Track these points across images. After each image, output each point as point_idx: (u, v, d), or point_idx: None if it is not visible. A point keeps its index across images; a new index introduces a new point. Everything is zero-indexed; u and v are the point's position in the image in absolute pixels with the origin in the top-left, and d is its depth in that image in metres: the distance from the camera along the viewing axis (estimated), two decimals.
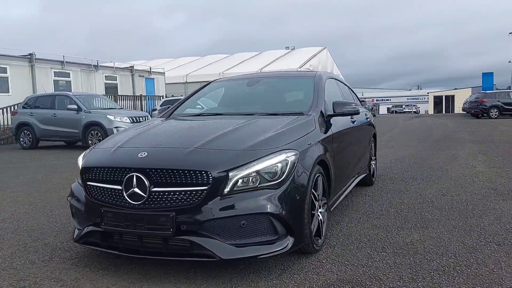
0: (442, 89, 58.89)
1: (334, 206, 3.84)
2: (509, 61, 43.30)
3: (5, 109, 15.33)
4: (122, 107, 16.92)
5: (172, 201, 2.64)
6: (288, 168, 2.81)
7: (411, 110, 56.37)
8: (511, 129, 15.03)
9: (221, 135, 3.05)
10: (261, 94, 4.38)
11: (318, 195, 3.21)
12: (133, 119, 11.98)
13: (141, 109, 20.76)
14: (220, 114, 3.97)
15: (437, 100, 53.36)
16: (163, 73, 27.16)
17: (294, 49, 38.36)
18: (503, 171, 6.42)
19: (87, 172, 2.96)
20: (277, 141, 2.96)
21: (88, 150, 3.34)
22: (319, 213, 3.24)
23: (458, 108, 46.28)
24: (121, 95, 20.73)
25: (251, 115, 3.71)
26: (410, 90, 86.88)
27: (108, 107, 13.47)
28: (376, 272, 2.82)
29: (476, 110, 24.60)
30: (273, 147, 2.87)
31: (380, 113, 56.50)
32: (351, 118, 4.44)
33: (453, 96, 50.79)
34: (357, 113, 3.93)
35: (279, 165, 2.79)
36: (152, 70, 25.92)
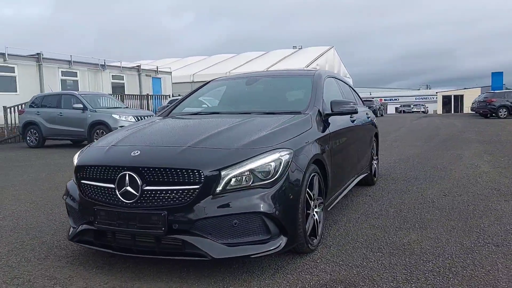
0: (451, 89, 58.44)
1: (332, 206, 3.81)
2: None
3: (12, 108, 15.46)
4: (128, 106, 16.98)
5: (164, 200, 2.64)
6: (281, 167, 2.79)
7: (419, 110, 55.97)
8: None
9: (215, 134, 3.04)
10: (259, 93, 4.37)
11: (313, 195, 3.18)
12: (138, 118, 12.01)
13: (148, 109, 20.83)
14: (217, 113, 3.96)
15: (446, 100, 52.98)
16: (170, 73, 27.25)
17: (301, 48, 38.27)
18: (508, 172, 6.34)
19: (81, 171, 2.97)
20: (271, 140, 2.95)
21: (84, 148, 3.34)
22: (314, 213, 3.22)
23: (467, 108, 45.89)
24: (128, 95, 20.81)
25: (248, 114, 3.69)
26: (419, 89, 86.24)
27: (114, 106, 13.53)
28: (370, 272, 2.79)
29: (485, 110, 24.36)
30: (266, 146, 2.85)
31: (388, 112, 56.20)
32: (350, 118, 4.41)
33: (462, 96, 50.40)
34: (355, 112, 3.90)
35: (273, 164, 2.77)
36: (159, 69, 26.01)
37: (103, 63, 21.70)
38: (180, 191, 2.62)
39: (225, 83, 4.73)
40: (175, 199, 2.62)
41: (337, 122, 3.98)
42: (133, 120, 11.88)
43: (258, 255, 2.67)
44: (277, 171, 2.77)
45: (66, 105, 12.90)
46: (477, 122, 20.35)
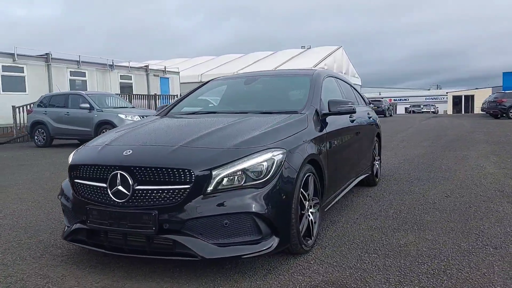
0: (462, 89, 57.83)
1: (329, 206, 3.78)
2: None
3: (21, 108, 15.62)
4: (134, 106, 17.07)
5: (155, 200, 2.63)
6: (274, 167, 2.77)
7: (429, 110, 55.51)
8: None
9: (208, 133, 3.03)
10: (257, 92, 4.35)
11: (308, 195, 3.16)
12: (144, 118, 12.07)
13: (155, 109, 20.92)
14: (214, 113, 3.96)
15: (457, 100, 52.45)
16: (178, 73, 27.35)
17: (310, 48, 38.18)
18: None
19: (74, 170, 2.98)
20: (265, 139, 2.93)
21: (80, 147, 3.35)
22: (309, 213, 3.19)
23: (477, 108, 45.39)
24: (135, 94, 20.91)
25: (245, 114, 3.68)
26: (429, 89, 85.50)
27: (120, 106, 13.62)
28: (363, 274, 2.76)
29: (495, 110, 24.04)
30: (259, 146, 2.83)
31: (397, 113, 55.79)
32: (350, 117, 4.37)
33: (472, 96, 49.83)
34: (353, 112, 3.86)
35: (265, 164, 2.75)
36: (166, 69, 26.11)
37: (111, 63, 21.84)
38: (171, 191, 2.62)
39: (224, 83, 4.72)
40: (166, 198, 2.62)
41: (336, 122, 3.94)
42: (139, 119, 11.94)
43: (249, 255, 2.65)
44: (270, 171, 2.75)
45: (73, 105, 13.00)
46: (486, 122, 20.11)
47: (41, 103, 13.82)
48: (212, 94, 4.83)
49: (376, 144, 5.69)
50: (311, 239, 3.19)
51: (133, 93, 21.76)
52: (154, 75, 24.80)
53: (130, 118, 12.00)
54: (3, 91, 16.74)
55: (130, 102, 18.88)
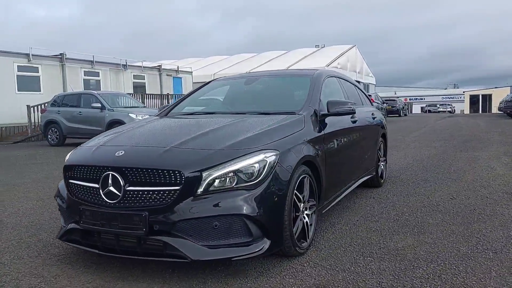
0: (480, 88, 56.84)
1: (327, 209, 3.73)
2: None
3: (36, 107, 15.88)
4: (146, 105, 17.20)
5: (145, 201, 2.64)
6: (266, 168, 2.75)
7: (445, 110, 54.65)
8: None
9: (202, 134, 3.02)
10: (257, 93, 4.33)
11: (303, 197, 3.13)
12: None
13: None
14: (213, 113, 3.95)
15: (474, 100, 51.64)
16: (191, 72, 27.47)
17: (324, 47, 37.97)
18: None
19: (69, 170, 3.00)
20: (258, 141, 2.91)
21: (76, 148, 3.38)
22: (304, 215, 3.16)
23: (495, 107, 44.58)
24: (148, 94, 21.09)
25: (243, 114, 3.67)
26: (446, 89, 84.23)
27: (131, 105, 13.75)
28: (356, 277, 2.72)
29: None
30: (252, 147, 2.81)
31: (413, 112, 55.12)
32: (351, 118, 4.31)
33: (490, 95, 49.02)
34: (353, 113, 3.81)
35: (256, 165, 2.73)
36: (179, 69, 26.25)
37: (125, 63, 22.05)
38: (161, 192, 2.62)
39: (226, 83, 4.71)
40: (156, 200, 2.62)
41: (336, 123, 3.90)
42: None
43: (240, 257, 2.64)
44: (261, 173, 2.73)
45: (86, 104, 13.17)
46: (502, 122, 19.70)
47: (55, 103, 14.03)
48: (214, 94, 4.83)
49: (382, 145, 5.61)
50: (306, 241, 3.16)
51: (146, 92, 21.96)
52: (167, 75, 24.97)
53: (140, 118, 12.09)
54: (18, 90, 17.03)
55: (143, 101, 19.07)
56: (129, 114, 12.19)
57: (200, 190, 2.61)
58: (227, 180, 2.67)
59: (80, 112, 13.16)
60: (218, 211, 2.60)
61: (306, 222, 3.17)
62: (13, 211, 4.76)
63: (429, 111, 55.38)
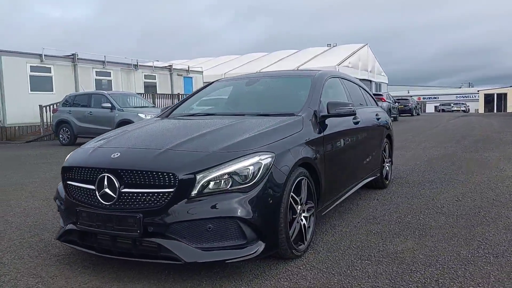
0: (495, 87, 55.94)
1: (326, 211, 3.70)
2: None
3: (48, 107, 16.10)
4: (155, 105, 17.31)
5: (140, 203, 2.65)
6: (261, 171, 2.74)
7: (459, 109, 53.91)
8: None
9: (198, 136, 3.02)
10: (257, 94, 4.31)
11: (300, 199, 3.11)
12: None
13: None
14: (213, 115, 3.95)
15: (489, 99, 50.86)
16: (201, 72, 27.57)
17: (335, 46, 37.77)
18: None
19: (67, 172, 3.03)
20: (254, 142, 2.90)
21: (76, 149, 3.41)
22: (302, 218, 3.14)
23: (510, 106, 43.88)
24: (159, 94, 21.22)
25: (242, 116, 3.66)
26: (460, 87, 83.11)
27: (141, 105, 13.84)
28: (351, 281, 2.70)
29: None
30: (247, 149, 2.80)
31: (427, 111, 54.53)
32: (353, 119, 4.27)
33: (505, 94, 48.22)
34: (353, 114, 3.77)
35: (251, 168, 2.72)
36: (190, 69, 26.36)
37: (136, 63, 22.21)
38: (156, 194, 2.63)
39: (227, 84, 4.71)
40: (150, 202, 2.63)
41: (336, 124, 3.86)
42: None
43: (234, 260, 2.63)
44: (256, 175, 2.72)
45: (96, 104, 13.31)
46: None
47: (66, 103, 14.20)
48: (218, 94, 4.82)
49: (386, 146, 5.55)
50: (303, 243, 3.14)
51: (157, 92, 22.09)
52: (178, 75, 25.09)
53: (149, 118, 12.18)
54: (31, 90, 17.27)
55: (154, 101, 19.20)
56: (138, 114, 12.27)
57: (194, 192, 2.61)
58: (222, 183, 2.67)
59: (90, 112, 13.30)
60: (212, 213, 2.60)
61: (304, 224, 3.15)
62: (19, 210, 4.83)
63: (443, 110, 54.72)
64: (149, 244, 2.65)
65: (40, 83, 17.69)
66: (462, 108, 54.34)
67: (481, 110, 49.24)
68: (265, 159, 2.79)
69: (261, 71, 28.75)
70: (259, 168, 2.74)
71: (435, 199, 4.83)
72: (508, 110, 43.03)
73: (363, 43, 35.19)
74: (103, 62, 20.53)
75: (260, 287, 2.64)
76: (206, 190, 2.64)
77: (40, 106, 16.06)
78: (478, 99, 53.86)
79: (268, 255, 2.87)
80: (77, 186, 2.91)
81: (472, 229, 3.69)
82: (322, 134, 3.53)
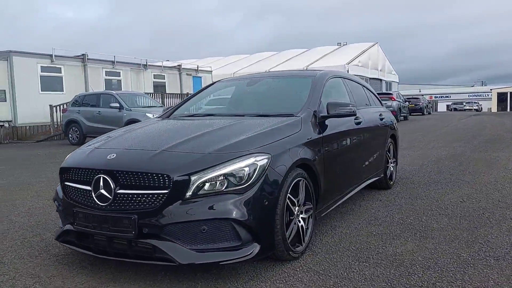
0: (509, 85, 55.11)
1: (326, 212, 3.67)
2: None
3: (58, 107, 16.25)
4: (163, 105, 17.38)
5: (135, 204, 2.65)
6: (256, 172, 2.73)
7: (471, 108, 53.22)
8: None
9: (195, 137, 3.02)
10: (258, 94, 4.29)
11: (298, 201, 3.09)
12: None
13: None
14: (212, 115, 3.94)
15: (502, 97, 50.16)
16: (210, 72, 27.62)
17: (346, 44, 37.57)
18: None
19: (65, 172, 3.05)
20: (250, 144, 2.88)
21: (74, 150, 3.43)
22: (299, 219, 3.12)
23: None
24: (168, 93, 21.31)
25: (241, 116, 3.65)
26: (473, 86, 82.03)
27: (149, 105, 13.90)
28: (347, 284, 2.67)
29: None
30: (242, 151, 2.79)
31: (438, 110, 53.91)
32: (355, 119, 4.23)
33: None
34: (353, 114, 3.74)
35: (247, 169, 2.70)
36: (199, 68, 26.43)
37: (145, 63, 22.32)
38: (150, 195, 2.63)
39: (229, 84, 4.70)
40: (145, 203, 2.63)
41: (337, 125, 3.83)
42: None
43: (228, 262, 2.62)
44: (252, 177, 2.71)
45: (105, 104, 13.40)
46: None
47: (75, 103, 14.33)
48: (219, 95, 4.82)
49: (391, 146, 5.50)
50: (301, 245, 3.12)
51: (166, 92, 22.18)
52: (187, 74, 25.17)
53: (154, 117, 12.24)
54: (41, 90, 17.45)
55: (163, 101, 19.29)
56: (146, 114, 12.32)
57: (189, 194, 2.61)
58: (217, 184, 2.66)
59: (99, 111, 13.40)
60: (207, 215, 2.59)
61: (302, 226, 3.13)
62: (23, 210, 4.88)
63: (455, 109, 54.08)
64: (144, 245, 2.65)
65: (51, 83, 17.86)
66: (474, 107, 53.62)
67: (494, 109, 48.59)
68: (261, 160, 2.78)
69: (269, 70, 28.70)
70: (255, 170, 2.73)
71: (439, 200, 4.77)
72: None
73: (374, 41, 34.93)
74: (113, 62, 20.66)
75: None
76: (201, 192, 2.63)
77: (50, 106, 16.21)
78: (491, 98, 53.15)
79: (264, 257, 2.86)
80: (74, 187, 2.92)
81: (474, 231, 3.64)
82: (321, 135, 3.51)
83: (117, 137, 3.32)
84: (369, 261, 3.02)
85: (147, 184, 2.64)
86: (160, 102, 18.13)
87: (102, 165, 2.79)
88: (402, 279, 2.71)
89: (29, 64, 17.09)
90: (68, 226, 2.97)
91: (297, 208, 3.08)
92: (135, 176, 2.66)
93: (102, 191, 2.72)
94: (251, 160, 2.74)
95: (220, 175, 2.65)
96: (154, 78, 23.04)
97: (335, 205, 3.84)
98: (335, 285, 2.65)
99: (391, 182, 5.49)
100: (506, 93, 50.20)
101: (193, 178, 2.61)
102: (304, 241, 3.15)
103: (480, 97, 65.96)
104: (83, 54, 19.26)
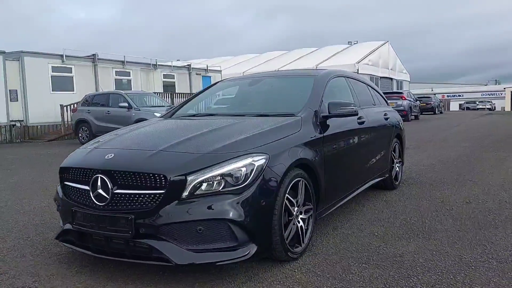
0: None
1: (327, 213, 3.64)
2: None
3: (68, 106, 16.41)
4: (171, 104, 17.45)
5: (132, 204, 2.66)
6: (253, 172, 2.71)
7: (484, 107, 52.47)
8: None
9: (193, 137, 3.02)
10: (260, 94, 4.28)
11: (297, 201, 3.06)
12: None
13: None
14: (213, 115, 3.94)
15: None
16: (220, 71, 27.66)
17: (356, 43, 37.33)
18: None
19: (64, 172, 3.06)
20: (248, 144, 2.87)
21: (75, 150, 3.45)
22: (299, 220, 3.09)
23: None
24: (178, 93, 21.39)
25: (242, 116, 3.64)
26: (486, 85, 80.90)
27: (158, 104, 13.97)
28: (345, 285, 2.64)
29: None
30: (240, 151, 2.78)
31: (451, 109, 53.28)
32: (358, 119, 4.19)
33: None
34: (355, 114, 3.70)
35: (243, 169, 2.69)
36: (208, 68, 26.49)
37: (155, 63, 22.44)
38: (147, 196, 2.63)
39: (232, 84, 4.70)
40: (142, 203, 2.63)
41: (339, 125, 3.79)
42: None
43: (225, 262, 2.62)
44: (249, 177, 2.69)
45: (114, 103, 13.49)
46: None
47: (85, 102, 14.46)
48: (229, 94, 4.81)
49: (396, 146, 5.44)
50: (301, 246, 3.10)
51: (176, 91, 22.27)
52: (196, 74, 25.25)
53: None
54: (52, 90, 17.65)
55: (173, 100, 19.37)
56: (155, 114, 12.34)
57: (185, 194, 2.60)
58: (214, 184, 2.65)
59: (108, 111, 13.50)
60: (203, 215, 2.59)
61: (301, 226, 3.11)
62: (29, 209, 4.93)
63: (467, 108, 53.37)
64: (141, 245, 2.65)
65: (62, 83, 18.05)
66: (487, 106, 52.86)
67: (508, 108, 47.93)
68: (259, 160, 2.76)
69: (278, 70, 28.65)
70: (252, 170, 2.71)
71: (445, 201, 4.70)
72: None
73: (385, 40, 34.66)
74: (123, 62, 20.80)
75: None
76: (198, 192, 2.63)
77: (61, 105, 16.38)
78: (505, 97, 52.39)
79: (262, 257, 2.85)
80: (73, 187, 2.94)
81: (478, 232, 3.58)
82: (322, 135, 3.48)
83: (117, 137, 3.34)
84: (369, 263, 2.99)
85: (143, 184, 2.64)
86: (170, 102, 18.22)
87: (100, 165, 2.80)
88: (400, 281, 2.67)
89: (40, 64, 17.28)
90: (67, 226, 2.99)
91: (296, 208, 3.06)
92: (132, 176, 2.67)
93: (100, 191, 2.73)
94: (248, 160, 2.72)
95: (217, 175, 2.64)
96: (163, 78, 23.15)
97: (337, 206, 3.81)
98: (332, 287, 2.63)
99: (397, 183, 5.43)
100: None
101: (189, 178, 2.60)
102: (303, 242, 3.13)
103: (493, 96, 65.06)
104: (93, 54, 19.43)
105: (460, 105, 61.65)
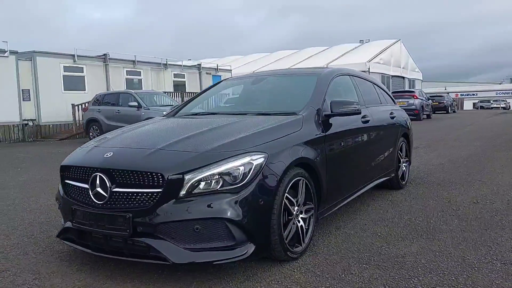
0: None
1: (329, 212, 3.60)
2: None
3: (80, 106, 16.58)
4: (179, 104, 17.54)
5: (130, 202, 2.66)
6: (252, 171, 2.69)
7: (499, 106, 51.67)
8: None
9: (192, 135, 3.01)
10: (262, 93, 4.26)
11: (297, 201, 3.04)
12: None
13: None
14: (215, 114, 3.93)
15: None
16: (230, 71, 27.68)
17: (368, 42, 37.03)
18: None
19: (65, 170, 3.08)
20: (247, 142, 2.85)
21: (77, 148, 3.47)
22: (299, 220, 3.07)
23: None
24: (188, 92, 21.45)
25: (244, 115, 3.62)
26: (501, 83, 79.69)
27: (167, 104, 14.03)
28: (344, 286, 2.61)
29: None
30: (238, 149, 2.76)
31: (464, 108, 52.58)
32: (362, 118, 4.14)
33: None
34: (358, 113, 3.66)
35: (241, 168, 2.67)
36: (219, 67, 26.53)
37: (165, 62, 22.55)
38: (144, 194, 2.63)
39: (235, 83, 4.69)
40: (139, 201, 2.63)
41: (342, 124, 3.75)
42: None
43: (222, 262, 2.60)
44: (247, 176, 2.67)
45: (124, 103, 13.59)
46: None
47: (96, 102, 14.59)
48: (238, 93, 4.80)
49: (403, 145, 5.37)
50: (301, 246, 3.07)
51: (186, 91, 22.34)
52: (207, 73, 25.31)
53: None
54: (64, 90, 17.83)
55: (183, 100, 19.42)
56: (164, 113, 12.42)
57: (183, 192, 2.59)
58: (212, 183, 2.64)
59: (118, 110, 13.59)
60: (201, 214, 2.58)
61: (301, 226, 3.08)
62: (35, 207, 4.98)
63: (481, 107, 52.63)
64: (139, 244, 2.65)
65: (73, 83, 18.23)
66: (502, 105, 52.05)
67: None
68: (257, 159, 2.74)
69: (290, 68, 28.54)
70: (250, 169, 2.69)
71: (452, 201, 4.63)
72: None
73: (397, 38, 34.32)
74: (134, 61, 20.93)
75: None
76: (195, 191, 2.62)
77: (72, 105, 16.54)
78: None
79: (260, 257, 2.83)
80: (73, 185, 2.96)
81: (484, 233, 3.52)
82: (324, 134, 3.44)
83: (118, 136, 3.35)
84: (369, 263, 2.95)
85: (141, 182, 2.64)
86: (180, 101, 18.27)
87: (99, 164, 2.81)
88: (401, 282, 2.63)
89: (52, 64, 17.47)
90: (68, 224, 3.01)
91: (296, 208, 3.03)
92: (130, 174, 2.67)
93: (99, 189, 2.74)
94: (246, 159, 2.71)
95: (215, 174, 2.63)
96: (174, 77, 23.25)
97: (340, 205, 3.77)
98: (330, 287, 2.60)
99: (403, 182, 5.36)
100: None
101: (187, 177, 2.60)
102: (304, 242, 3.10)
103: (508, 94, 64.06)
104: (104, 54, 19.59)
105: (474, 104, 60.82)
